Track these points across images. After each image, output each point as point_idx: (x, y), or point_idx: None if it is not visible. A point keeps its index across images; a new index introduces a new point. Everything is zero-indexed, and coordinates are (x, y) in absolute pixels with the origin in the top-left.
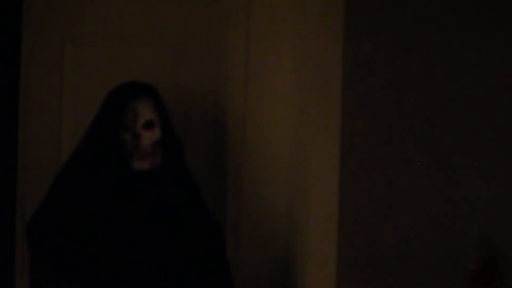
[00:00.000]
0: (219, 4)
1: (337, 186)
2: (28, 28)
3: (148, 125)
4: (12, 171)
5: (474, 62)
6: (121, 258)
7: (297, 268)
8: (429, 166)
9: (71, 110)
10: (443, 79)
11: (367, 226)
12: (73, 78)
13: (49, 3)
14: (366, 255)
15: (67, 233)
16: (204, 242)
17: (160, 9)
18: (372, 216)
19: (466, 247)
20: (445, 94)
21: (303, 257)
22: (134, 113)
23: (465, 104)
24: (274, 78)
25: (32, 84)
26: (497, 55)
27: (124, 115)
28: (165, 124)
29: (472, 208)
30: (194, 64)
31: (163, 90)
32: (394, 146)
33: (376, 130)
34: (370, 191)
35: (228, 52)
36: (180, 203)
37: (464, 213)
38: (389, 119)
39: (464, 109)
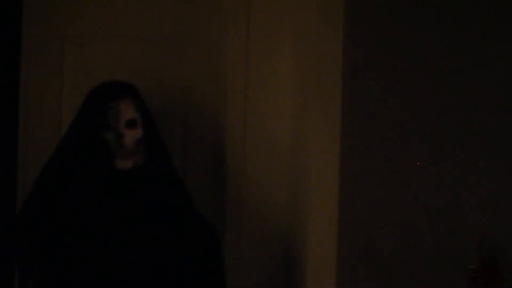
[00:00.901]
0: (219, 3)
1: (337, 186)
2: (28, 28)
3: (131, 124)
4: (12, 171)
5: (474, 62)
6: (105, 256)
7: (297, 268)
8: (429, 166)
9: (71, 110)
10: (443, 79)
11: (367, 226)
12: (73, 78)
13: (49, 3)
14: (366, 255)
15: (50, 231)
16: (189, 240)
17: (160, 9)
18: (372, 216)
19: (466, 247)
20: (445, 94)
21: (303, 257)
22: (116, 112)
23: (465, 104)
24: (274, 78)
25: (32, 84)
26: (498, 55)
27: (106, 114)
28: (147, 123)
29: (472, 208)
30: (194, 64)
31: (163, 90)
32: (394, 146)
33: (376, 130)
34: (370, 191)
35: (228, 52)
36: (165, 201)
37: (464, 213)
38: (389, 119)
39: (464, 109)
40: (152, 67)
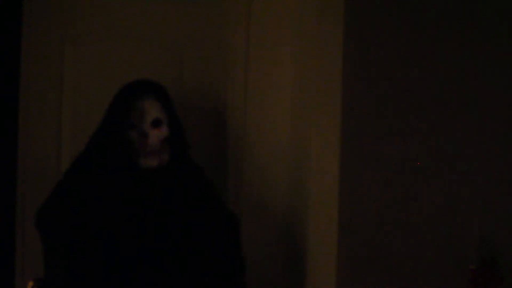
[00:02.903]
0: (219, 4)
1: (337, 186)
2: (28, 28)
3: (156, 123)
4: (12, 171)
5: (475, 61)
6: (129, 254)
7: (297, 268)
8: (429, 166)
9: (71, 110)
10: (443, 78)
11: (367, 226)
12: (73, 78)
13: (49, 3)
14: (366, 255)
15: (75, 226)
16: (215, 239)
17: (160, 9)
18: (372, 216)
19: (466, 247)
20: (445, 94)
21: (303, 257)
22: (141, 112)
23: (465, 103)
24: (274, 77)
25: (32, 84)
26: (498, 55)
27: (131, 113)
28: (172, 122)
29: (472, 208)
30: (194, 64)
31: None
32: (394, 146)
33: (376, 130)
34: (370, 191)
35: (228, 52)
36: (191, 199)
37: (464, 213)
38: (389, 119)
39: (464, 109)
40: (152, 67)
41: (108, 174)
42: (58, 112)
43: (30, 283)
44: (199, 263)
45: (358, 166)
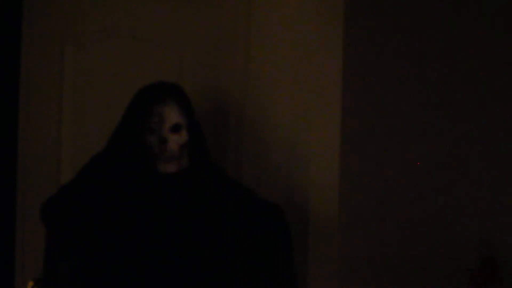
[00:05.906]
0: (219, 4)
1: (337, 186)
2: (28, 28)
3: (175, 129)
4: (12, 171)
5: (474, 62)
6: (141, 257)
7: (297, 267)
8: (429, 166)
9: (71, 110)
10: (443, 79)
11: (367, 226)
12: (73, 78)
13: (49, 3)
14: (366, 255)
15: (84, 223)
16: (244, 241)
17: (160, 9)
18: (372, 216)
19: (466, 247)
20: (445, 94)
21: (303, 257)
22: (160, 117)
23: (465, 104)
24: (274, 77)
25: (32, 84)
26: (497, 54)
27: (150, 118)
28: (192, 126)
29: (472, 208)
30: (194, 65)
31: None
32: (394, 146)
33: (376, 130)
34: (370, 191)
35: (228, 52)
36: (213, 202)
37: (464, 213)
38: (389, 120)
39: (464, 110)
40: (152, 67)
41: (125, 177)
42: (58, 112)
43: (30, 283)
44: (232, 270)
45: (358, 166)
